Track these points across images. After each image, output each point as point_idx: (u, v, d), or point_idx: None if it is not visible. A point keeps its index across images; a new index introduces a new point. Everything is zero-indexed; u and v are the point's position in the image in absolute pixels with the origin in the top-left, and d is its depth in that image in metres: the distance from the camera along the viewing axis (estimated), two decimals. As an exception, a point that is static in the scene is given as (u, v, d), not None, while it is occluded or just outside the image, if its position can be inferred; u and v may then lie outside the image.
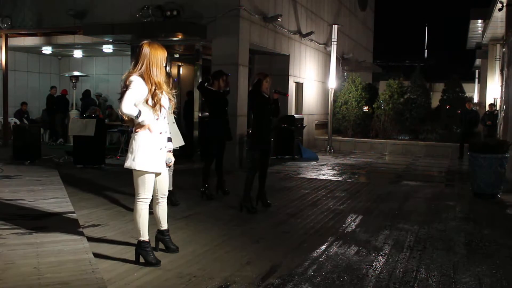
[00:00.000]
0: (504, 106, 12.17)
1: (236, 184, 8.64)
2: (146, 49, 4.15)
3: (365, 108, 17.11)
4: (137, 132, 4.19)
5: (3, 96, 13.22)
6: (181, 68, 13.91)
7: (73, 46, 15.03)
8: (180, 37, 11.12)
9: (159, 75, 4.15)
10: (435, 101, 20.26)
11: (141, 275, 4.08)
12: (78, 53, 16.87)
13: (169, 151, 4.42)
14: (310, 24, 15.47)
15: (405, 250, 5.03)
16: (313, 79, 16.51)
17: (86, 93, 16.19)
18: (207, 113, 7.83)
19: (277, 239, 5.30)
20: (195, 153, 11.75)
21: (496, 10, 12.50)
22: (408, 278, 4.20)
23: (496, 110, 15.34)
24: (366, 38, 25.41)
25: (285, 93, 7.27)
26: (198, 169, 10.39)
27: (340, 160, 13.44)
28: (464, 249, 5.14)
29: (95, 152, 10.13)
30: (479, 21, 17.73)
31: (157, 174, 4.35)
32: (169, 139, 4.43)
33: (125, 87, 4.10)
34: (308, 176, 10.13)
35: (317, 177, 10.02)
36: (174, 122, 6.40)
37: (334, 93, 15.66)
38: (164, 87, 4.22)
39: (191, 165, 10.92)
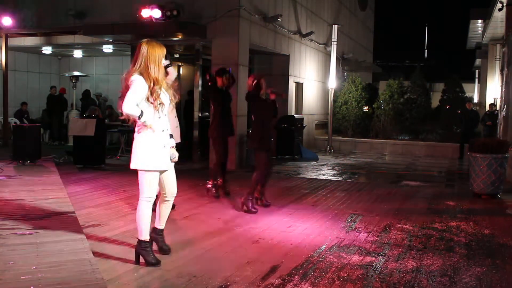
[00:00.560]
0: (505, 106, 12.17)
1: (236, 184, 8.64)
2: (144, 48, 4.16)
3: (365, 108, 17.11)
4: (140, 132, 4.20)
5: (3, 96, 13.22)
6: (181, 68, 13.90)
7: (73, 46, 15.03)
8: (180, 37, 11.12)
9: (157, 72, 4.15)
10: (435, 101, 20.25)
11: (141, 275, 4.08)
12: (78, 53, 16.87)
13: (172, 147, 4.42)
14: (310, 24, 15.46)
15: (405, 250, 5.03)
16: (313, 79, 16.51)
17: (86, 93, 16.19)
18: (207, 113, 7.84)
19: (277, 239, 5.30)
20: (195, 153, 11.75)
21: (496, 10, 12.50)
22: (408, 278, 4.20)
23: (496, 110, 15.34)
24: (366, 38, 25.41)
25: (280, 94, 7.24)
26: (198, 169, 10.41)
27: (340, 160, 13.44)
28: (464, 249, 5.14)
29: (95, 152, 10.13)
30: (479, 21, 17.72)
31: (162, 172, 4.35)
32: (171, 136, 4.43)
33: (126, 86, 4.11)
34: (308, 176, 10.12)
35: (317, 177, 10.01)
36: (176, 117, 6.37)
37: (334, 93, 15.66)
38: (164, 84, 4.23)
39: (191, 165, 10.92)
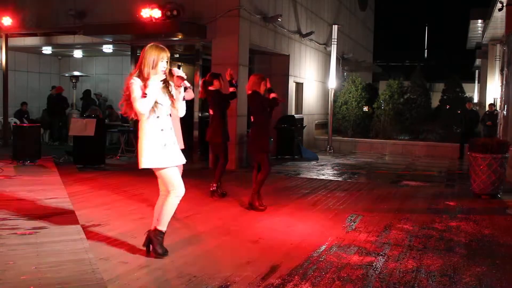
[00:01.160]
0: (505, 106, 12.17)
1: (236, 184, 8.65)
2: (144, 51, 4.32)
3: (365, 108, 17.11)
4: (141, 130, 4.32)
5: (3, 96, 13.22)
6: (181, 68, 13.91)
7: (73, 46, 15.03)
8: (180, 37, 11.12)
9: (148, 71, 4.26)
10: (435, 101, 20.25)
11: (141, 275, 4.08)
12: (78, 53, 16.87)
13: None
14: (310, 24, 15.46)
15: (405, 250, 5.03)
16: (313, 79, 16.51)
17: (87, 92, 16.18)
18: (207, 113, 7.80)
19: (277, 239, 5.30)
20: (195, 153, 11.75)
21: (496, 10, 12.50)
22: (408, 278, 4.20)
23: (496, 110, 15.34)
24: (366, 38, 25.41)
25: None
26: (198, 169, 10.41)
27: (340, 160, 13.44)
28: (464, 249, 5.14)
29: (95, 152, 10.13)
30: (479, 21, 17.73)
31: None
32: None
33: (127, 88, 4.26)
34: (308, 176, 10.13)
35: (317, 177, 10.02)
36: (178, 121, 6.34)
37: (334, 93, 15.66)
38: (161, 84, 4.33)
39: (191, 165, 10.91)
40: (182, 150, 6.83)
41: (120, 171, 9.64)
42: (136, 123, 4.38)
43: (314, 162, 12.62)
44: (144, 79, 4.25)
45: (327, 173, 10.73)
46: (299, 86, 15.30)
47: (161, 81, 4.33)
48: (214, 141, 7.41)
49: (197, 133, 11.84)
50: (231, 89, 7.32)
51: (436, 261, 4.69)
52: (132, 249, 4.70)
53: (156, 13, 10.55)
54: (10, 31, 12.93)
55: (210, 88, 7.28)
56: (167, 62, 4.34)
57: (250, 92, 6.65)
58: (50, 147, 13.55)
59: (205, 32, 10.91)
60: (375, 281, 4.11)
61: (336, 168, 11.75)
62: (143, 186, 7.83)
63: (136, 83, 4.24)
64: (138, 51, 12.40)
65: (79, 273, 3.91)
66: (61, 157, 11.05)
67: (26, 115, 15.36)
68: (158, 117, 4.30)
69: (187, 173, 9.52)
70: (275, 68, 14.03)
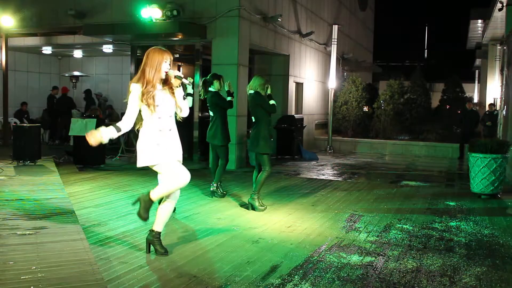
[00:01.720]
0: (505, 106, 12.18)
1: (236, 184, 8.65)
2: (147, 54, 4.39)
3: (365, 108, 17.11)
4: (140, 131, 4.39)
5: (3, 96, 13.22)
6: (181, 68, 13.90)
7: (73, 46, 15.04)
8: (180, 37, 11.12)
9: (151, 74, 4.31)
10: (435, 101, 20.26)
11: (141, 275, 4.08)
12: (78, 53, 16.88)
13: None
14: (310, 24, 15.47)
15: (405, 250, 5.03)
16: (313, 79, 16.51)
17: (87, 92, 16.19)
18: (207, 113, 7.79)
19: (277, 239, 5.30)
20: (195, 153, 11.75)
21: (496, 10, 12.50)
22: (408, 278, 4.21)
23: (496, 110, 15.34)
24: (366, 38, 25.42)
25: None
26: (198, 169, 10.40)
27: (340, 160, 13.44)
28: (464, 249, 5.14)
29: (95, 152, 10.11)
30: (479, 21, 17.73)
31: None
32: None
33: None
34: (308, 176, 10.13)
35: (317, 177, 10.02)
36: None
37: (334, 93, 15.66)
38: (163, 86, 4.39)
39: (191, 165, 10.92)
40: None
41: (120, 171, 9.64)
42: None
43: (314, 162, 12.62)
44: (147, 82, 4.28)
45: (327, 173, 10.73)
46: (299, 86, 15.30)
47: (163, 82, 4.38)
48: (214, 143, 7.41)
49: (197, 133, 11.85)
50: (229, 98, 7.31)
51: (436, 261, 4.69)
52: (132, 249, 4.70)
53: (156, 13, 10.55)
54: (10, 31, 12.94)
55: (210, 88, 7.29)
56: (170, 64, 4.40)
57: (252, 91, 6.64)
58: (50, 147, 13.54)
59: (205, 32, 10.91)
60: (375, 281, 4.11)
61: (336, 168, 11.75)
62: (143, 186, 7.84)
63: (133, 93, 4.30)
64: (138, 51, 12.40)
65: (79, 273, 3.91)
66: (61, 157, 11.05)
67: (26, 115, 15.36)
68: (159, 118, 4.34)
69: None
70: (275, 68, 14.03)
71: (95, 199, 7.08)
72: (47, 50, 15.89)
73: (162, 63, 4.33)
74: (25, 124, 11.61)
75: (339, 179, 9.95)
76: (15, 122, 13.66)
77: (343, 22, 18.59)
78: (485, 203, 7.71)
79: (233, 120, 10.34)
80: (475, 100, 24.74)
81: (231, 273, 4.17)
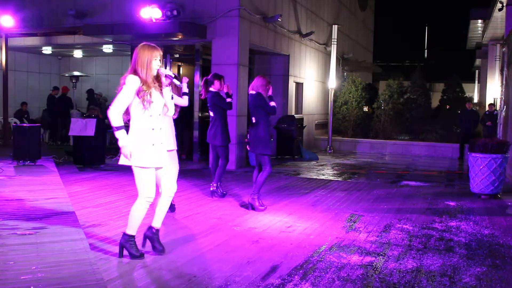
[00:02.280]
0: (505, 106, 12.17)
1: (236, 184, 8.65)
2: (136, 51, 4.34)
3: (365, 108, 17.11)
4: (131, 131, 4.33)
5: (3, 96, 13.22)
6: (181, 68, 13.91)
7: (73, 46, 15.02)
8: (180, 37, 11.12)
9: (143, 73, 4.26)
10: (435, 101, 20.26)
11: (141, 275, 4.08)
12: (78, 53, 16.87)
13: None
14: (310, 24, 15.46)
15: (405, 250, 5.03)
16: (313, 79, 16.51)
17: (89, 92, 16.19)
18: (207, 113, 7.80)
19: (277, 239, 5.30)
20: (195, 153, 11.75)
21: (496, 10, 12.51)
22: (408, 278, 4.21)
23: (496, 110, 15.34)
24: (366, 38, 25.41)
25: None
26: (198, 169, 10.41)
27: (340, 160, 13.44)
28: (464, 249, 5.14)
29: (95, 152, 10.13)
30: (479, 21, 17.74)
31: (157, 169, 4.42)
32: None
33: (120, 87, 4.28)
34: (308, 176, 10.13)
35: (317, 177, 10.02)
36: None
37: (334, 93, 15.66)
38: (155, 84, 4.34)
39: (191, 165, 10.92)
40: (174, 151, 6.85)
41: (120, 171, 9.64)
42: None
43: (314, 162, 12.62)
44: (143, 82, 4.23)
45: (327, 173, 10.73)
46: (299, 86, 15.30)
47: (154, 80, 4.35)
48: (214, 143, 7.41)
49: (197, 133, 11.85)
50: (228, 100, 7.32)
51: (436, 261, 4.69)
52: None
53: (156, 13, 10.55)
54: (10, 31, 12.93)
55: (211, 88, 7.28)
56: (160, 60, 4.36)
57: (254, 92, 6.63)
58: (50, 147, 13.54)
59: (205, 32, 10.91)
60: (375, 281, 4.11)
61: (336, 168, 11.75)
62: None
63: (131, 84, 4.21)
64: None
65: (79, 273, 3.91)
66: (61, 157, 11.05)
67: (26, 115, 15.36)
68: (151, 115, 4.30)
69: (187, 173, 9.56)
70: (275, 68, 14.02)
71: (95, 199, 7.08)
72: (47, 50, 15.88)
73: (152, 61, 4.29)
74: (25, 124, 11.61)
75: (339, 179, 9.95)
76: (15, 122, 13.66)
77: (343, 22, 18.58)
78: (485, 203, 7.71)
79: (233, 120, 10.34)
80: (475, 100, 24.73)
81: (231, 273, 4.17)
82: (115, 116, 4.20)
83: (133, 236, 4.43)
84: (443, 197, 8.17)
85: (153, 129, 4.31)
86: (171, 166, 4.54)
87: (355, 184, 9.31)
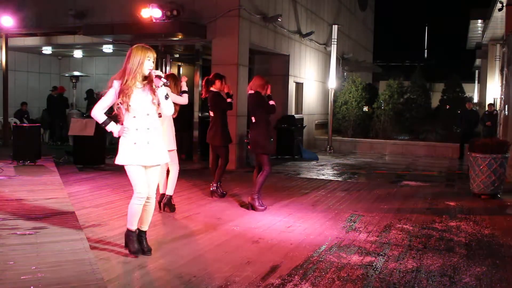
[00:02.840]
0: (505, 106, 12.17)
1: (236, 184, 8.65)
2: (130, 52, 4.41)
3: (365, 108, 17.11)
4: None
5: (3, 96, 13.22)
6: (181, 68, 13.91)
7: (73, 46, 15.04)
8: (180, 37, 11.12)
9: (132, 71, 4.34)
10: (435, 101, 20.26)
11: (141, 275, 4.08)
12: (78, 53, 16.87)
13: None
14: (310, 24, 15.46)
15: (405, 250, 5.03)
16: (313, 79, 16.51)
17: (89, 92, 16.20)
18: (207, 113, 7.80)
19: (277, 239, 5.30)
20: (195, 153, 11.74)
21: (496, 10, 12.51)
22: (408, 278, 4.21)
23: (495, 110, 15.33)
24: (366, 38, 25.41)
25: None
26: (198, 169, 10.41)
27: (340, 160, 13.44)
28: (464, 249, 5.14)
29: (95, 152, 10.12)
30: (479, 21, 17.74)
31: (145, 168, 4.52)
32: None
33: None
34: (308, 176, 10.13)
35: (317, 177, 10.02)
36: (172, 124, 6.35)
37: (334, 93, 15.66)
38: (143, 84, 4.41)
39: (191, 165, 10.92)
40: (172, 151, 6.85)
41: (120, 171, 9.60)
42: None
43: (314, 162, 12.62)
44: (126, 80, 4.32)
45: (327, 173, 10.73)
46: (299, 86, 15.30)
47: (143, 80, 4.41)
48: (214, 144, 7.41)
49: (197, 133, 11.85)
50: (228, 100, 7.33)
51: (436, 261, 4.69)
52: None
53: (156, 13, 10.55)
54: (10, 31, 12.93)
55: (211, 88, 7.28)
56: (153, 61, 4.42)
57: (253, 92, 6.63)
58: (50, 147, 13.54)
59: (205, 32, 10.91)
60: (375, 281, 4.11)
61: (336, 168, 11.75)
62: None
63: (112, 89, 4.37)
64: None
65: (79, 273, 3.91)
66: (61, 157, 11.04)
67: (26, 115, 15.35)
68: (134, 117, 4.39)
69: (187, 173, 9.56)
70: (275, 68, 14.02)
71: (95, 199, 7.08)
72: (47, 50, 15.89)
73: (144, 61, 4.35)
74: (25, 124, 11.61)
75: (339, 179, 9.95)
76: (15, 122, 13.66)
77: (343, 22, 18.58)
78: (485, 203, 7.71)
79: (233, 120, 10.33)
80: (475, 100, 24.73)
81: (231, 273, 4.17)
82: (97, 114, 4.41)
83: (132, 232, 4.55)
84: (443, 197, 8.16)
85: (137, 129, 4.40)
86: (156, 172, 4.56)
87: (355, 184, 9.30)
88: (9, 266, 4.03)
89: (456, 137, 15.07)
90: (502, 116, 12.86)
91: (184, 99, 6.29)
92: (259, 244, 5.08)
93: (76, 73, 16.29)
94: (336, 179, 9.93)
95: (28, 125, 10.93)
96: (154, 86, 4.41)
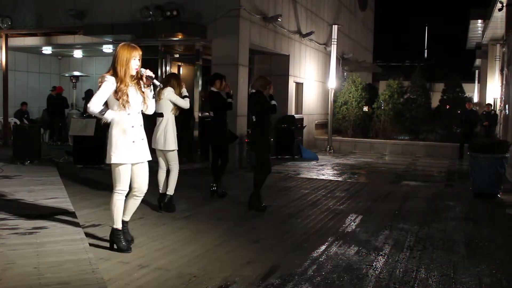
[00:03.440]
0: (506, 106, 12.18)
1: (236, 184, 8.65)
2: (116, 51, 4.49)
3: (365, 108, 17.11)
4: (111, 129, 4.50)
5: (3, 96, 13.22)
6: (181, 68, 13.91)
7: (73, 46, 15.03)
8: (180, 37, 11.12)
9: (122, 72, 4.40)
10: (435, 101, 20.25)
11: (141, 275, 4.08)
12: (78, 53, 16.86)
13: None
14: (310, 24, 15.47)
15: (405, 250, 5.03)
16: (313, 79, 16.51)
17: (89, 92, 16.18)
18: (207, 113, 7.80)
19: (277, 239, 5.30)
20: (195, 153, 11.75)
21: (496, 10, 12.52)
22: (408, 278, 4.21)
23: (493, 110, 15.34)
24: (366, 38, 25.41)
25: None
26: (198, 169, 10.40)
27: (340, 160, 13.44)
28: (464, 249, 5.14)
29: (95, 152, 10.12)
30: (479, 21, 17.75)
31: (133, 165, 4.58)
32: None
33: (99, 87, 4.43)
34: (308, 176, 10.13)
35: (317, 177, 10.02)
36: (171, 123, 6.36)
37: (334, 93, 15.65)
38: (133, 83, 4.48)
39: (191, 165, 10.91)
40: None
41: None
42: None
43: (314, 162, 12.62)
44: (119, 79, 4.37)
45: (327, 173, 10.73)
46: (299, 86, 15.30)
47: (133, 79, 4.47)
48: (215, 144, 7.42)
49: (197, 133, 11.85)
50: (229, 100, 7.33)
51: (436, 261, 4.69)
52: (132, 249, 4.70)
53: (156, 13, 10.55)
54: (10, 31, 12.93)
55: (212, 88, 7.29)
56: (139, 60, 4.48)
57: (254, 91, 6.63)
58: (50, 147, 13.54)
59: (205, 32, 10.91)
60: (375, 281, 4.11)
61: (336, 168, 11.75)
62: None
63: (107, 83, 4.37)
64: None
65: (79, 273, 3.91)
66: (61, 157, 11.04)
67: (26, 115, 15.35)
68: (129, 114, 4.44)
69: (187, 173, 9.55)
70: (275, 68, 14.03)
71: (95, 199, 7.08)
72: (47, 50, 15.87)
73: (130, 60, 4.42)
74: (25, 124, 11.61)
75: (339, 179, 9.95)
76: (15, 122, 13.67)
77: (343, 22, 18.58)
78: (485, 203, 7.71)
79: (233, 120, 10.32)
80: (475, 100, 24.74)
81: (231, 273, 4.17)
82: (95, 107, 4.36)
83: (119, 230, 4.64)
84: (443, 197, 8.17)
85: (133, 126, 4.47)
86: (147, 166, 4.64)
87: (355, 184, 9.31)
88: (9, 266, 4.03)
89: (456, 137, 15.07)
90: (502, 116, 12.87)
91: (186, 103, 6.38)
92: (259, 244, 5.08)
93: (76, 73, 16.28)
94: (336, 179, 9.93)
95: (28, 125, 10.94)
96: (143, 85, 4.51)
